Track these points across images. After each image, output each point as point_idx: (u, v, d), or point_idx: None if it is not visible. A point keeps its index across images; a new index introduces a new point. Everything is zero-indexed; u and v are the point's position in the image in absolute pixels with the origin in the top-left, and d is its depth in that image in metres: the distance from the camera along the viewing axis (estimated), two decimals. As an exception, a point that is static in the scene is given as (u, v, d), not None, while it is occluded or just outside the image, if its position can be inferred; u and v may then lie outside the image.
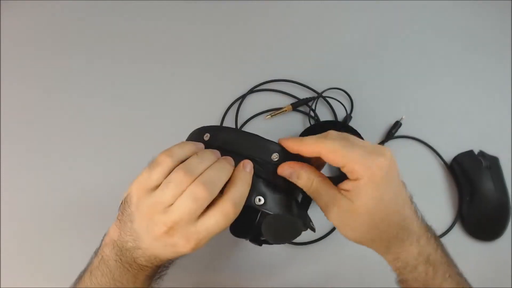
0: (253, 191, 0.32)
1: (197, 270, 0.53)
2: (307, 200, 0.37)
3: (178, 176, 0.29)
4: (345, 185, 0.31)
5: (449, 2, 0.71)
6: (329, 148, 0.30)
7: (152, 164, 0.31)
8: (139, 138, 0.59)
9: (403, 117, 0.60)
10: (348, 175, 0.30)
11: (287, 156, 0.33)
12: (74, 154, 0.59)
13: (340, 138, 0.31)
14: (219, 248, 0.54)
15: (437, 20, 0.70)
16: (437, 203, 0.57)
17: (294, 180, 0.32)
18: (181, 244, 0.30)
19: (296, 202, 0.35)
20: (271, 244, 0.43)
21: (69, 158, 0.59)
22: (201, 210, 0.29)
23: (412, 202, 0.33)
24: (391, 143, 0.60)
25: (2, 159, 0.58)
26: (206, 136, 0.34)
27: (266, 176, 0.33)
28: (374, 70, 0.65)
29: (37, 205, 0.56)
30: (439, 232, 0.55)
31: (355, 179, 0.30)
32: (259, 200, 0.31)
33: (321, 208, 0.32)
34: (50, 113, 0.62)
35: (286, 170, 0.32)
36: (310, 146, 0.31)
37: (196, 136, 0.35)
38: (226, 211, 0.29)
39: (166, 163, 0.30)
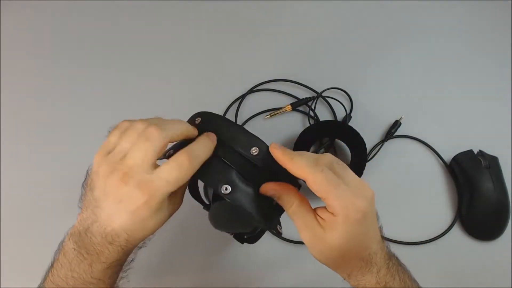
0: (222, 179, 0.32)
1: (197, 270, 0.53)
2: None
3: (135, 124, 0.31)
4: (322, 213, 0.32)
5: (449, 2, 0.71)
6: (315, 179, 0.30)
7: (110, 130, 0.33)
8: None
9: (403, 116, 0.60)
10: (327, 207, 0.31)
11: (268, 154, 0.33)
12: (74, 153, 0.59)
13: (329, 169, 0.31)
14: (218, 247, 0.54)
15: (437, 21, 0.70)
16: (437, 203, 0.57)
17: (275, 199, 0.33)
18: (134, 195, 0.29)
19: (269, 203, 0.34)
20: (250, 242, 0.43)
21: (69, 157, 0.59)
22: (155, 153, 0.30)
23: (381, 233, 0.34)
24: (391, 143, 0.60)
25: (2, 159, 0.58)
26: (197, 120, 0.36)
27: (239, 169, 0.32)
28: (374, 70, 0.66)
29: (37, 205, 0.56)
30: (438, 232, 0.55)
31: (331, 213, 0.31)
32: (226, 188, 0.31)
33: (296, 226, 0.33)
34: (50, 113, 0.62)
35: (268, 191, 0.33)
36: (298, 170, 0.31)
37: (189, 120, 0.37)
38: (180, 161, 0.30)
39: (124, 125, 0.32)
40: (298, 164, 0.31)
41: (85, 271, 0.31)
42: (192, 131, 0.34)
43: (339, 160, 0.32)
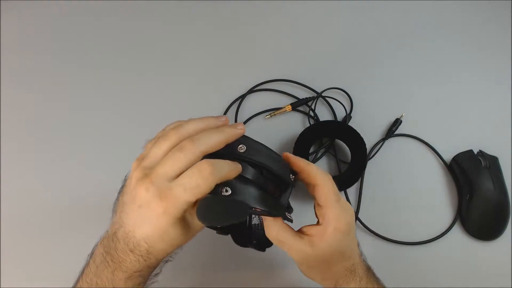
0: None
1: (197, 270, 0.53)
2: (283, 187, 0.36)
3: (169, 133, 0.31)
4: (309, 230, 0.35)
5: (449, 2, 0.71)
6: (329, 186, 0.34)
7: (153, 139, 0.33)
8: (139, 138, 0.59)
9: (403, 114, 0.60)
10: (320, 216, 0.35)
11: (251, 148, 0.32)
12: (74, 153, 0.59)
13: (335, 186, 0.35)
14: (219, 248, 0.54)
15: (437, 20, 0.70)
16: (437, 203, 0.57)
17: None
18: (153, 203, 0.28)
19: (273, 197, 0.34)
20: (261, 249, 0.42)
21: (69, 156, 0.59)
22: (183, 165, 0.29)
23: (359, 248, 0.38)
24: (391, 141, 0.60)
25: (2, 159, 0.58)
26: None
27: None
28: (374, 70, 0.66)
29: (38, 205, 0.56)
30: (439, 232, 0.55)
31: (320, 225, 0.35)
32: (226, 190, 0.31)
33: (285, 250, 0.35)
34: (50, 113, 0.62)
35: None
36: (316, 173, 0.35)
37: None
38: (202, 167, 0.28)
39: (162, 132, 0.33)
40: (313, 169, 0.35)
41: (107, 279, 0.31)
42: (230, 138, 0.32)
43: None
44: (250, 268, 0.53)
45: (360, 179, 0.56)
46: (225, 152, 0.31)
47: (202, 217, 0.28)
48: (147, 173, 0.29)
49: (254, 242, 0.41)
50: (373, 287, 0.37)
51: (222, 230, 0.43)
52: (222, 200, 0.30)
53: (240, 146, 0.32)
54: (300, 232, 0.36)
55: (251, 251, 0.53)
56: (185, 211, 0.29)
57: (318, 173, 0.35)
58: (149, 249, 0.30)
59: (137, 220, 0.30)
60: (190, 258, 0.53)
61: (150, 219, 0.29)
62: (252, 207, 0.31)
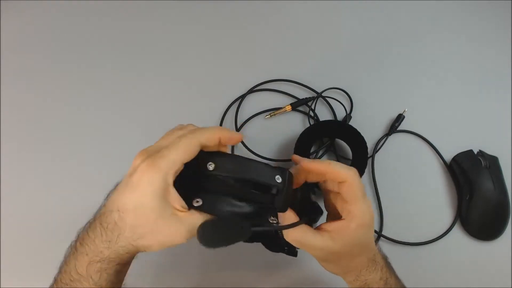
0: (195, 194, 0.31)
1: (197, 269, 0.53)
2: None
3: (175, 128, 0.33)
4: (330, 226, 0.35)
5: (449, 2, 0.71)
6: (356, 182, 0.34)
7: None
8: (139, 138, 0.59)
9: (406, 109, 0.60)
10: (342, 212, 0.35)
11: (222, 164, 0.32)
12: (74, 153, 0.59)
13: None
14: (220, 248, 0.54)
15: (438, 20, 0.70)
16: (437, 203, 0.57)
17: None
18: (140, 167, 0.28)
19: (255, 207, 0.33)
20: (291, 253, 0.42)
21: (69, 156, 0.59)
22: (188, 148, 0.30)
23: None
24: (394, 137, 0.60)
25: (2, 159, 0.58)
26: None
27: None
28: (374, 70, 0.66)
29: (38, 205, 0.56)
30: (438, 232, 0.55)
31: (343, 219, 0.34)
32: (197, 202, 0.31)
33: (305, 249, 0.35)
34: (50, 113, 0.62)
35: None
36: (341, 171, 0.34)
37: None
38: (185, 134, 0.30)
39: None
40: (338, 167, 0.34)
41: (72, 266, 0.31)
42: (226, 134, 0.32)
43: None
44: (250, 268, 0.53)
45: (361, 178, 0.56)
46: (194, 171, 0.31)
47: (204, 241, 0.29)
48: (147, 150, 0.30)
49: (286, 248, 0.41)
50: (391, 276, 0.38)
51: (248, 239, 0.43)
52: (221, 223, 0.30)
53: (209, 163, 0.31)
54: (319, 229, 0.36)
55: (251, 251, 0.53)
56: (168, 185, 0.29)
57: (343, 170, 0.34)
58: (117, 221, 0.29)
59: (119, 189, 0.30)
60: (190, 258, 0.53)
61: (132, 185, 0.28)
62: (254, 224, 0.31)
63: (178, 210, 0.30)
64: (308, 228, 0.35)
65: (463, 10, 0.71)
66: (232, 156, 0.34)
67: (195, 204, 0.31)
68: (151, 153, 0.29)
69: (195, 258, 0.53)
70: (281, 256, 0.54)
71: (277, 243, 0.42)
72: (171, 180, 0.29)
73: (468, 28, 0.69)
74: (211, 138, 0.31)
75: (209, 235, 0.29)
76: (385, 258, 0.39)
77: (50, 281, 0.34)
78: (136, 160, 0.30)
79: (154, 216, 0.28)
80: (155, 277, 0.52)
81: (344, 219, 0.35)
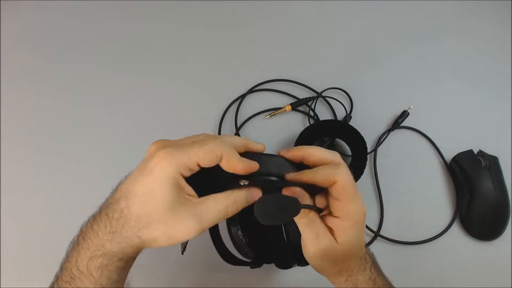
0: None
1: (197, 270, 0.53)
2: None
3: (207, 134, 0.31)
4: (328, 221, 0.33)
5: (450, 1, 0.71)
6: (348, 177, 0.32)
7: None
8: (139, 138, 0.59)
9: (411, 106, 0.61)
10: (334, 210, 0.32)
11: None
12: (74, 153, 0.59)
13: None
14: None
15: (438, 20, 0.70)
16: (436, 202, 0.57)
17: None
18: (156, 154, 0.27)
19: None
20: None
21: (69, 156, 0.59)
22: (206, 155, 0.29)
23: None
24: (396, 133, 0.60)
25: (2, 159, 0.58)
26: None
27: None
28: (374, 70, 0.66)
29: (38, 205, 0.56)
30: (438, 231, 0.55)
31: (337, 218, 0.32)
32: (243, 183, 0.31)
33: (307, 237, 0.34)
34: (50, 113, 0.62)
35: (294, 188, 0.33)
36: (325, 168, 0.32)
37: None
38: (205, 139, 0.29)
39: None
40: (327, 167, 0.32)
41: (73, 261, 0.30)
42: (249, 144, 0.32)
43: None
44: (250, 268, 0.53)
45: (360, 177, 0.57)
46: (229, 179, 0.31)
47: (261, 216, 0.29)
48: (165, 140, 0.29)
49: (298, 259, 0.41)
50: (378, 275, 0.37)
51: (256, 263, 0.44)
52: (278, 198, 0.30)
53: (243, 181, 0.31)
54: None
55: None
56: (183, 177, 0.28)
57: (334, 171, 0.32)
58: (124, 209, 0.27)
59: (132, 175, 0.29)
60: (190, 258, 0.53)
61: (146, 170, 0.27)
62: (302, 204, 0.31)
63: (191, 195, 0.28)
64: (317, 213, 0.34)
65: (463, 10, 0.71)
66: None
67: (242, 183, 0.30)
68: (171, 144, 0.29)
69: (195, 258, 0.53)
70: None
71: (289, 257, 0.42)
72: (187, 173, 0.28)
73: (468, 28, 0.69)
74: (239, 146, 0.31)
75: (269, 210, 0.29)
76: (372, 257, 0.38)
77: (50, 281, 0.34)
78: (152, 146, 0.29)
79: (163, 204, 0.27)
80: (155, 277, 0.52)
81: (338, 217, 0.32)
